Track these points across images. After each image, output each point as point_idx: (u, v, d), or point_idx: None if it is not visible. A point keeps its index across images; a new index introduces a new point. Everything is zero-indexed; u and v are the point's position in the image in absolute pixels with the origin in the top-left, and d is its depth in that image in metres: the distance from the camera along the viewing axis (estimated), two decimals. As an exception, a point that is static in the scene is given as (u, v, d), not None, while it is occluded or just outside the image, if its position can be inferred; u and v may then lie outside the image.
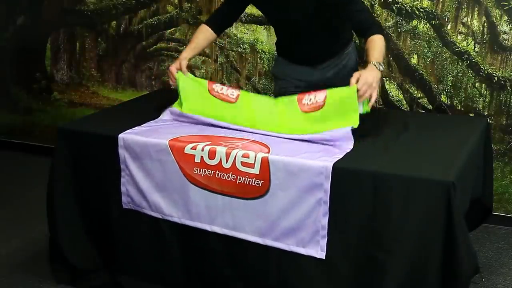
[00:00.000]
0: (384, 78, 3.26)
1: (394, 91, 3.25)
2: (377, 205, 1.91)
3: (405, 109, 3.23)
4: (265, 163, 2.03)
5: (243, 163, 2.06)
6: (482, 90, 3.08)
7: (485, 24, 3.00)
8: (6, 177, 3.80)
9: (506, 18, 2.95)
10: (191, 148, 2.14)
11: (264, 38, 3.44)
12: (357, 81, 2.10)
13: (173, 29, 3.66)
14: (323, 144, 2.13)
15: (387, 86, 3.26)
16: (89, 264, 2.47)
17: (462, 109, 3.14)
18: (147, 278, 2.38)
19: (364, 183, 1.93)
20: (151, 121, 2.40)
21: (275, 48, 3.00)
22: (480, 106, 3.10)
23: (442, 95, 3.16)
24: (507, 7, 2.93)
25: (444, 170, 1.90)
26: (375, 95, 2.11)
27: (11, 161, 4.04)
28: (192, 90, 2.43)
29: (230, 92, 2.40)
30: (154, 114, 2.48)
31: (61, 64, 4.03)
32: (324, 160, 1.98)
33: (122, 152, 2.28)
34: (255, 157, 2.04)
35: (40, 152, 3.99)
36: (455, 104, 3.15)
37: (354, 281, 2.00)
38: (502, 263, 2.80)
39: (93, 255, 2.46)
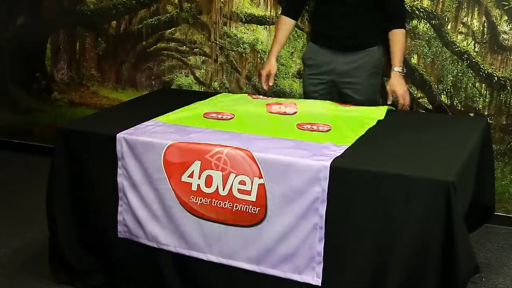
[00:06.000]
0: (384, 78, 3.25)
1: (394, 91, 3.25)
2: (377, 205, 1.91)
3: (405, 109, 3.22)
4: (261, 190, 2.03)
5: (239, 190, 2.06)
6: (482, 90, 3.08)
7: (485, 24, 3.00)
8: (6, 177, 3.80)
9: (506, 18, 2.95)
10: (188, 176, 2.13)
11: (264, 38, 3.44)
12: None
13: (173, 29, 3.66)
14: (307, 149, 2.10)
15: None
16: (89, 264, 2.47)
17: (462, 109, 3.14)
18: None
19: (364, 183, 1.92)
20: (147, 122, 2.39)
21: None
22: (480, 106, 3.10)
23: (442, 95, 3.16)
24: (507, 7, 2.93)
25: (444, 170, 1.90)
26: (408, 98, 2.65)
27: (11, 161, 4.04)
28: (187, 113, 2.50)
29: (226, 116, 2.44)
30: (154, 114, 2.48)
31: (61, 64, 4.03)
32: (318, 182, 1.96)
33: (120, 180, 2.29)
34: (252, 184, 2.04)
35: (40, 152, 3.98)
36: (455, 104, 3.15)
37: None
38: (502, 263, 2.80)
39: (93, 255, 2.46)
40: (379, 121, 2.38)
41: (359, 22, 2.72)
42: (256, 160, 2.03)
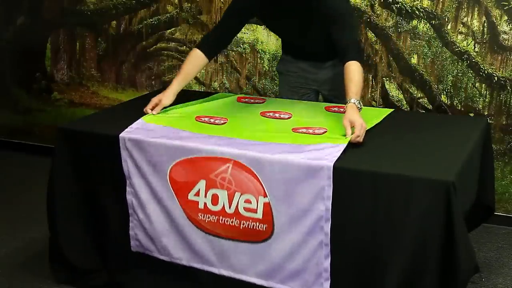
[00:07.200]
0: (384, 78, 3.26)
1: (394, 91, 3.25)
2: (377, 205, 1.91)
3: (405, 109, 3.23)
4: (267, 208, 2.05)
5: (245, 209, 2.08)
6: (482, 90, 3.08)
7: (485, 24, 3.00)
8: (6, 177, 3.80)
9: (506, 18, 2.95)
10: (194, 195, 2.15)
11: (264, 38, 3.44)
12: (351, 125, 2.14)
13: (173, 29, 3.66)
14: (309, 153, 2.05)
15: (387, 86, 3.26)
16: (89, 264, 2.47)
17: (462, 109, 3.14)
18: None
19: (364, 183, 1.93)
20: (135, 124, 2.34)
21: (275, 48, 3.01)
22: (480, 106, 3.10)
23: (442, 95, 3.16)
24: (507, 7, 2.93)
25: (444, 170, 1.90)
26: (363, 132, 2.12)
27: (11, 161, 4.04)
28: (178, 114, 2.45)
29: (218, 120, 2.38)
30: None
31: (61, 64, 4.03)
32: (322, 201, 1.97)
33: (130, 197, 2.30)
34: (257, 202, 2.05)
35: (40, 152, 3.99)
36: (455, 104, 3.15)
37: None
38: (502, 263, 2.80)
39: (93, 255, 2.46)
40: (379, 122, 2.37)
41: (322, 50, 2.60)
42: (261, 181, 2.05)
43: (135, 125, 2.31)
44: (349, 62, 2.31)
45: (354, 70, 2.30)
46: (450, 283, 1.86)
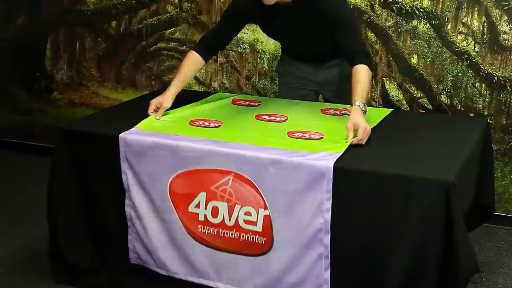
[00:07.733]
0: (384, 78, 3.26)
1: (394, 91, 3.25)
2: (377, 205, 1.91)
3: (405, 109, 3.23)
4: (267, 221, 2.05)
5: (245, 221, 2.08)
6: (482, 90, 3.08)
7: (485, 24, 3.00)
8: (6, 177, 3.80)
9: (506, 18, 2.95)
10: (194, 207, 2.15)
11: (264, 38, 3.44)
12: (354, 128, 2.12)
13: (173, 29, 3.66)
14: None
15: (387, 86, 3.26)
16: (89, 264, 2.47)
17: (462, 109, 3.14)
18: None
19: (364, 183, 1.93)
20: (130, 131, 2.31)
21: (275, 48, 2.99)
22: (480, 106, 3.10)
23: (442, 95, 3.16)
24: (507, 7, 2.93)
25: (444, 170, 1.90)
26: (366, 136, 2.12)
27: (11, 161, 4.04)
28: (172, 118, 2.43)
29: (213, 123, 2.36)
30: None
31: (61, 64, 4.03)
32: (320, 213, 1.97)
33: (128, 210, 2.30)
34: (257, 215, 2.05)
35: (40, 152, 3.98)
36: (455, 104, 3.15)
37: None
38: (502, 263, 2.80)
39: (93, 255, 2.46)
40: (379, 122, 2.36)
41: (320, 51, 2.60)
42: (261, 193, 2.05)
43: (129, 132, 2.28)
44: (358, 65, 2.31)
45: (362, 74, 2.30)
46: (450, 283, 1.86)
